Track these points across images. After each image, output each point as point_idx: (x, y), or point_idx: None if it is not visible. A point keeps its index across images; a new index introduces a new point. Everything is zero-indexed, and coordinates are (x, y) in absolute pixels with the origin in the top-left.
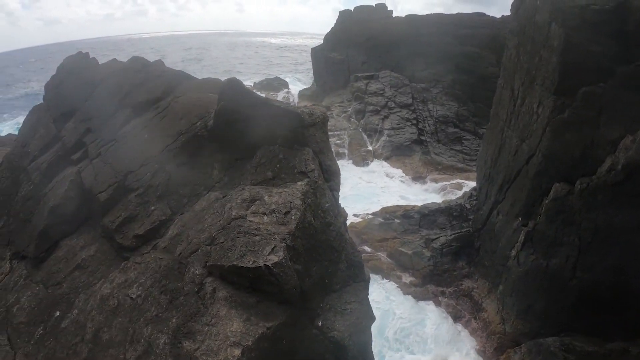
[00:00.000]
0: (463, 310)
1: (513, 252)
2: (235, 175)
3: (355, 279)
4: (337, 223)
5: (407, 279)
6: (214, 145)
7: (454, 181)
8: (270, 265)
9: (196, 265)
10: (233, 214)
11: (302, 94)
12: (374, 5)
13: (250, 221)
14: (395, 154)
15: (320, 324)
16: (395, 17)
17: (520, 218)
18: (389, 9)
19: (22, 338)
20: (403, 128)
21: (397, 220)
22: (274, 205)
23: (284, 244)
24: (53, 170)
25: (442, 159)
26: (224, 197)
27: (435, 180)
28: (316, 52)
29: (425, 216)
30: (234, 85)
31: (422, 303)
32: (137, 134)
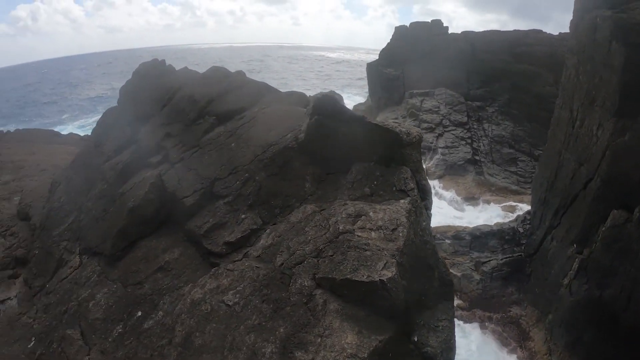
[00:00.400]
0: (509, 337)
1: (565, 281)
2: (328, 189)
3: (446, 297)
4: (432, 241)
5: (454, 301)
6: (305, 158)
7: (508, 203)
8: (385, 280)
9: (303, 277)
10: (340, 228)
11: (356, 108)
12: (429, 21)
13: (359, 236)
14: (449, 172)
15: (415, 339)
16: (451, 33)
17: (575, 245)
18: (444, 25)
19: (98, 334)
20: (457, 147)
21: (447, 241)
22: (380, 221)
23: (394, 260)
24: (129, 171)
25: (496, 180)
26: (321, 210)
27: (488, 202)
28: (371, 68)
29: (477, 238)
30: (329, 100)
31: (467, 327)
32: (223, 142)
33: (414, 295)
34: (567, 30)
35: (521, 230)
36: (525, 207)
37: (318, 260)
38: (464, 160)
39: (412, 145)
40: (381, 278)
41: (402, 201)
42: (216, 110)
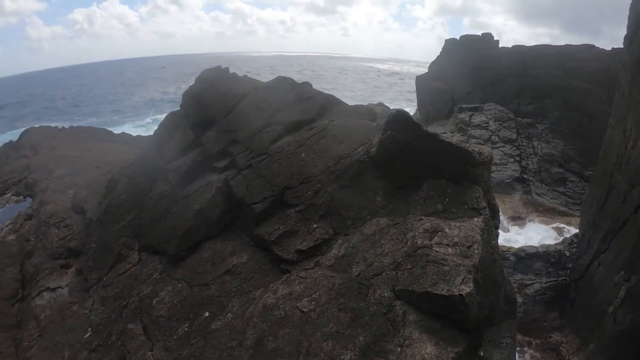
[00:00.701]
0: None
1: (610, 309)
2: (400, 204)
3: (510, 315)
4: (499, 259)
5: None
6: (376, 172)
7: (555, 225)
8: (463, 295)
9: (382, 288)
10: (418, 242)
11: None
12: (479, 34)
13: (437, 251)
14: (496, 190)
15: (482, 354)
16: (502, 47)
17: (622, 272)
18: (495, 39)
19: (162, 331)
20: (505, 164)
21: None
22: (456, 238)
23: (471, 276)
24: (192, 174)
25: (544, 200)
26: (395, 224)
27: (535, 222)
28: (420, 81)
29: (521, 259)
30: (402, 116)
31: None
32: (293, 152)
33: (484, 311)
34: (621, 46)
35: (567, 253)
36: (573, 230)
37: (397, 273)
38: (512, 179)
39: (484, 164)
40: (460, 292)
41: (475, 219)
42: (284, 120)
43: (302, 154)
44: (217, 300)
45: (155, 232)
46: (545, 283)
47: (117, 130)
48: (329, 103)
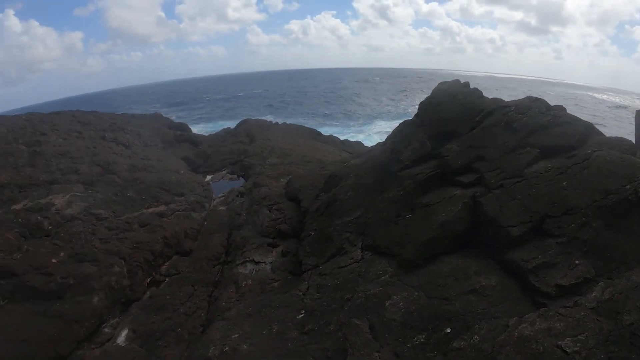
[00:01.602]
0: None
1: None
2: None
3: None
4: None
5: None
6: None
7: None
8: None
9: None
10: None
11: None
12: None
13: None
14: None
15: None
16: None
17: None
18: None
19: (393, 335)
20: None
21: None
22: None
23: None
24: (430, 184)
25: None
26: None
27: None
28: None
29: None
30: None
31: None
32: (553, 179)
33: None
34: None
35: None
36: None
37: None
38: None
39: None
40: None
41: None
42: (539, 143)
43: (564, 183)
44: (461, 318)
45: (383, 233)
46: None
47: (325, 132)
48: (588, 131)
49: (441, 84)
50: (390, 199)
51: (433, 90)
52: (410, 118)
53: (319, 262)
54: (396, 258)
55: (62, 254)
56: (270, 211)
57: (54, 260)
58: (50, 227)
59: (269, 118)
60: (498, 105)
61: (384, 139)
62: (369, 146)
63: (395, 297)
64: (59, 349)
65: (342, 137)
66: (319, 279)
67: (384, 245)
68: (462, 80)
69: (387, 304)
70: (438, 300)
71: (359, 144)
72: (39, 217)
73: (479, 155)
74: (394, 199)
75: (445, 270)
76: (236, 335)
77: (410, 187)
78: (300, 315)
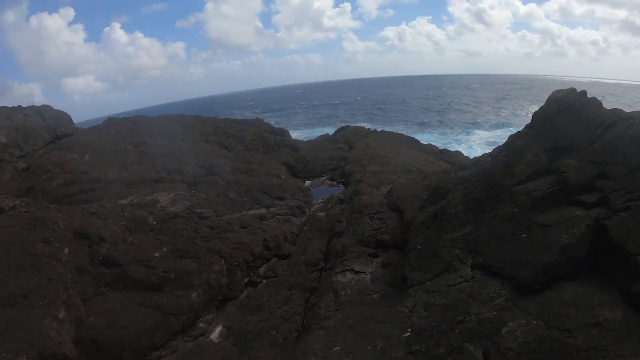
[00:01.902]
0: None
1: None
2: None
3: None
4: None
5: None
6: None
7: None
8: None
9: None
10: None
11: None
12: None
13: None
14: None
15: None
16: None
17: None
18: None
19: None
20: None
21: None
22: None
23: None
24: (546, 202)
25: None
26: None
27: None
28: None
29: None
30: None
31: None
32: None
33: None
34: None
35: None
36: None
37: None
38: None
39: None
40: None
41: None
42: None
43: None
44: (584, 354)
45: (496, 253)
46: None
47: (422, 140)
48: None
49: (556, 92)
50: (503, 215)
51: (547, 100)
52: (511, 128)
53: (426, 278)
54: (511, 281)
55: (164, 249)
56: (371, 220)
57: (156, 254)
58: (154, 222)
59: (366, 125)
60: (619, 117)
61: (485, 149)
62: (471, 157)
63: (511, 323)
64: (155, 338)
65: (440, 146)
66: (427, 296)
67: (498, 266)
68: (566, 87)
69: (503, 330)
70: (558, 332)
71: (458, 153)
72: (144, 213)
73: (602, 173)
74: (507, 216)
75: (566, 298)
76: (338, 348)
77: (526, 203)
78: (407, 334)
